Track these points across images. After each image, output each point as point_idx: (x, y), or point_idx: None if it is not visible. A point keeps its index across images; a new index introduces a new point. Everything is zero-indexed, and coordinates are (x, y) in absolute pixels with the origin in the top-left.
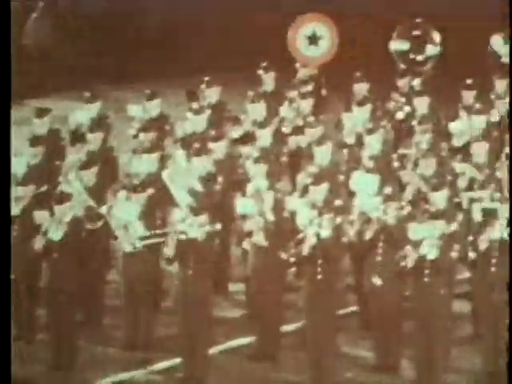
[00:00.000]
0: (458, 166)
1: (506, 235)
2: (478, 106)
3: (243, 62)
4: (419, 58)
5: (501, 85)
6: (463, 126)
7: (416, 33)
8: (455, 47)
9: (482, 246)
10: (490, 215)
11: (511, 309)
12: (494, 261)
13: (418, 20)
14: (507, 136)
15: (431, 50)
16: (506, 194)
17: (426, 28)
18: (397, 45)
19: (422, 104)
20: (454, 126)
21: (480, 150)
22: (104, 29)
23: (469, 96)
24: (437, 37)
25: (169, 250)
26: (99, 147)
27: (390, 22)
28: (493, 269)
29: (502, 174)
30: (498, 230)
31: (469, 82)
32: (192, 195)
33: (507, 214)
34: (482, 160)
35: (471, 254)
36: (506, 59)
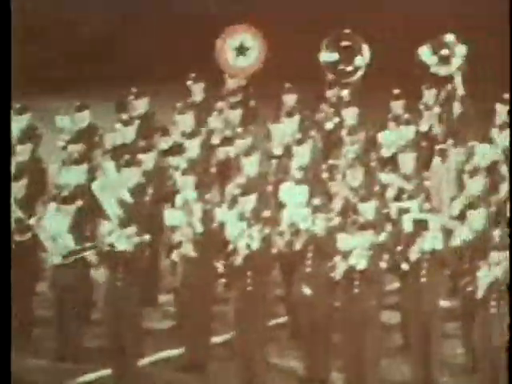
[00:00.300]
0: (387, 176)
1: (438, 246)
2: (406, 116)
3: (172, 72)
4: (348, 68)
5: (429, 95)
6: (392, 137)
7: (345, 44)
8: (384, 58)
9: (413, 256)
10: (420, 226)
11: (511, 310)
12: (424, 272)
13: (346, 31)
14: (436, 146)
15: (360, 60)
16: (435, 204)
17: (355, 39)
18: (325, 56)
19: (350, 114)
20: (382, 137)
21: (408, 161)
22: (33, 39)
23: (397, 106)
24: (365, 47)
25: (96, 261)
26: (28, 159)
27: (318, 33)
28: (423, 279)
29: (430, 184)
30: (430, 241)
31: (397, 92)
32: (122, 206)
33: (438, 225)
34: (410, 170)
35: (402, 265)
36: (434, 69)
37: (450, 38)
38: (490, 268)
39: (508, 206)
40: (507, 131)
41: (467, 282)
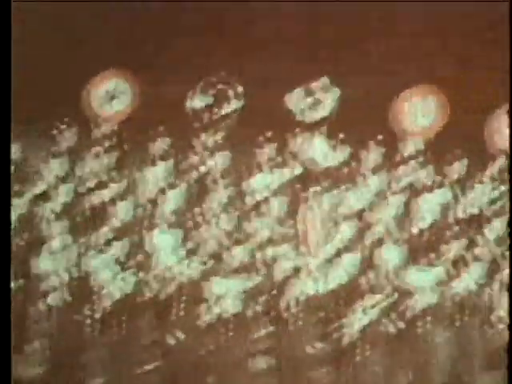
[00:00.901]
0: (258, 221)
1: (312, 290)
2: (277, 160)
3: (43, 117)
4: (221, 112)
5: (297, 140)
6: (263, 181)
7: (218, 87)
8: (256, 101)
9: (284, 302)
10: (296, 270)
11: (511, 308)
12: (297, 316)
13: (221, 73)
14: (309, 190)
15: (233, 104)
16: (308, 248)
17: (228, 83)
18: (199, 99)
19: (222, 159)
20: (253, 182)
21: (279, 205)
22: None
23: (267, 151)
24: (239, 91)
25: None
26: None
27: (192, 76)
28: (296, 324)
29: (303, 228)
30: (304, 286)
31: (268, 135)
32: None
33: (312, 269)
34: (283, 214)
35: (273, 311)
36: (300, 117)
37: (323, 81)
38: (363, 312)
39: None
40: (381, 174)
41: (340, 326)
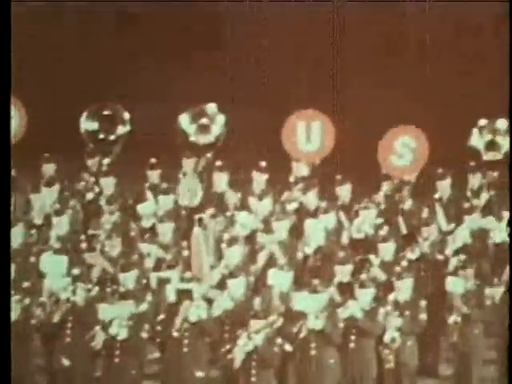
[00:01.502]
0: (146, 246)
1: (201, 316)
2: (164, 185)
3: None
4: (109, 137)
5: (188, 164)
6: (150, 207)
7: (106, 112)
8: (144, 127)
9: (171, 327)
10: (184, 295)
11: (511, 309)
12: (185, 341)
13: (108, 102)
14: (196, 215)
15: (120, 129)
16: (195, 273)
17: (116, 108)
18: (87, 124)
19: (109, 184)
20: (140, 207)
21: (166, 230)
22: None
23: (154, 176)
24: (126, 116)
25: None
26: None
27: (80, 102)
28: (184, 349)
29: (189, 253)
30: (193, 311)
31: (153, 161)
32: None
33: (200, 294)
34: (169, 240)
35: (160, 336)
36: (193, 138)
37: (210, 107)
38: (249, 337)
39: None
40: (267, 199)
41: (227, 350)
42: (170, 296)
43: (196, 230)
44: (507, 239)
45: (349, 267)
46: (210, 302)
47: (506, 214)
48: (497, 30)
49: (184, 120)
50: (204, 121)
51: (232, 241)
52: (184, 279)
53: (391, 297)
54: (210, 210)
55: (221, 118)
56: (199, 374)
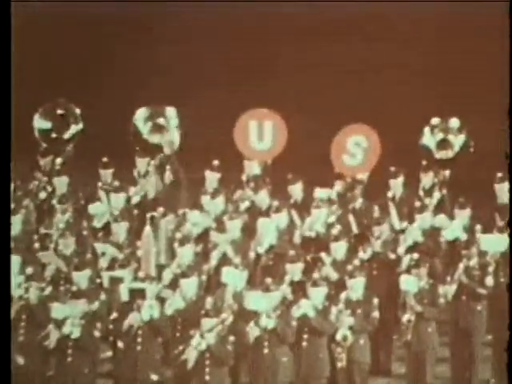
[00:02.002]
0: (99, 245)
1: (154, 315)
2: (116, 184)
3: None
4: (62, 136)
5: (141, 164)
6: (102, 207)
7: (59, 112)
8: (97, 126)
9: (124, 326)
10: (137, 295)
11: (511, 309)
12: (138, 340)
13: (60, 99)
14: (147, 214)
15: (73, 129)
16: (148, 272)
17: (69, 107)
18: (40, 123)
19: (61, 183)
20: (93, 207)
21: (120, 230)
22: None
23: (107, 175)
24: (78, 115)
25: None
26: None
27: (33, 100)
28: (137, 348)
29: (142, 252)
30: (146, 310)
31: (106, 160)
32: None
33: (153, 294)
34: (123, 239)
35: (113, 335)
36: (147, 137)
37: (169, 110)
38: (202, 336)
39: None
40: (220, 198)
41: (180, 351)
42: (122, 296)
43: (147, 228)
44: (460, 237)
45: (300, 266)
46: (162, 301)
47: (457, 212)
48: (497, 30)
49: (139, 118)
50: (159, 120)
51: (183, 240)
52: (137, 278)
53: (343, 295)
54: (162, 209)
55: (175, 120)
56: (153, 376)
